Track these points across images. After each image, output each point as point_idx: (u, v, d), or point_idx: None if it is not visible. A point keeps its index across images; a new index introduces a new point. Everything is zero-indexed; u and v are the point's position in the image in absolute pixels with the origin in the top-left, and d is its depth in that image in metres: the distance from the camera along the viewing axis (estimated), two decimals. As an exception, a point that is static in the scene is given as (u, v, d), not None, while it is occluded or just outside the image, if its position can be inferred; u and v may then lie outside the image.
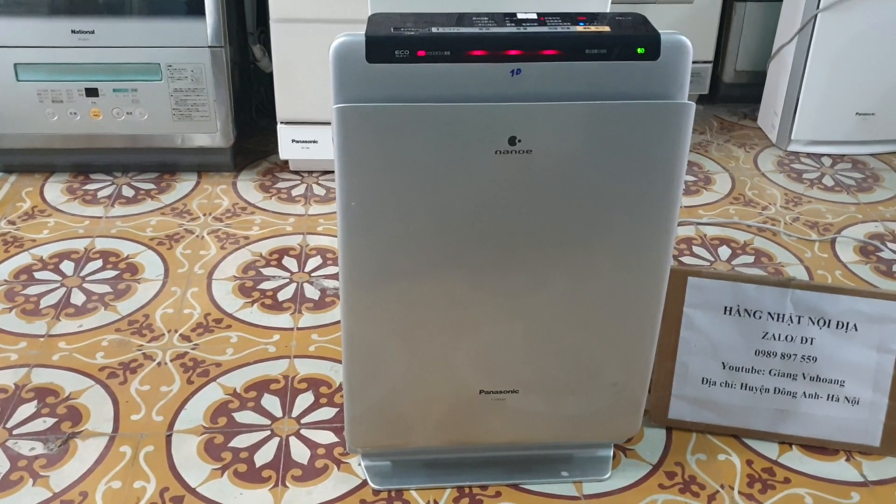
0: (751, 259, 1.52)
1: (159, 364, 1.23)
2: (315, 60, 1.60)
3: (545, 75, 0.82)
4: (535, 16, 0.85)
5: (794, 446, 1.12)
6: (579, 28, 0.83)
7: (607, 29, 0.82)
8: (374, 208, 0.87)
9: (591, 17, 0.85)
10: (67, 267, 1.45)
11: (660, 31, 0.82)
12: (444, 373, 0.98)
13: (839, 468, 1.09)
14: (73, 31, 1.59)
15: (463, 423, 1.02)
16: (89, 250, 1.50)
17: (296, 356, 1.26)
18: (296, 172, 1.79)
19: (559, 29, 0.83)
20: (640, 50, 0.81)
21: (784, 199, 1.73)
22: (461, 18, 0.85)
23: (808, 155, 1.92)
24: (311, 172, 1.79)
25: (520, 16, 0.85)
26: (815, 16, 1.79)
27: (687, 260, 1.51)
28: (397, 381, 0.97)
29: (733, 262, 1.51)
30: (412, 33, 0.82)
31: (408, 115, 0.83)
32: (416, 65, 0.82)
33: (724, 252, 1.54)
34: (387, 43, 0.81)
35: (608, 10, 0.93)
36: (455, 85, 0.83)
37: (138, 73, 1.63)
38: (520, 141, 0.84)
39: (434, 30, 0.83)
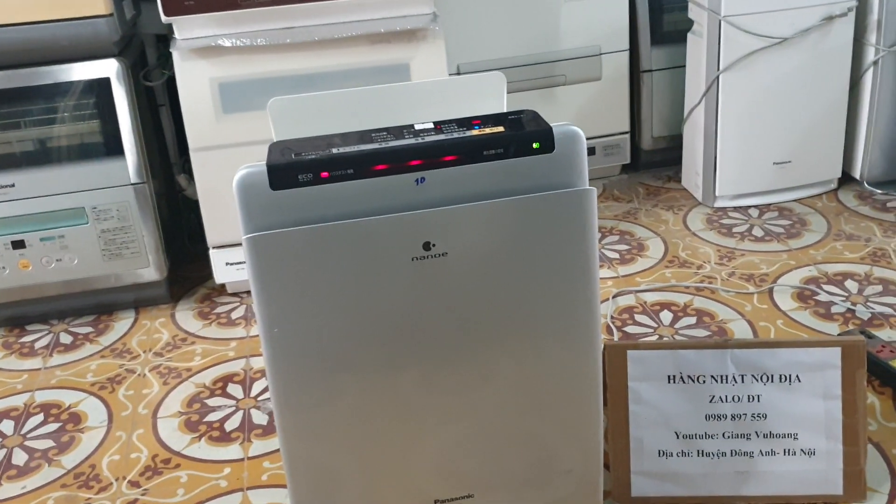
0: (693, 320, 1.53)
1: (108, 516, 1.19)
2: (239, 184, 1.61)
3: (449, 180, 0.84)
4: (431, 125, 0.87)
5: (758, 507, 1.11)
6: (475, 131, 0.85)
7: (501, 129, 0.85)
8: (297, 332, 0.86)
9: (486, 120, 0.87)
10: (7, 426, 1.41)
11: (551, 124, 0.84)
12: (398, 486, 0.96)
13: (806, 523, 1.08)
14: (-8, 187, 1.58)
15: (422, 535, 0.99)
16: (29, 405, 1.46)
17: (248, 488, 1.22)
18: (234, 294, 1.78)
19: (455, 135, 0.85)
20: (535, 145, 0.84)
21: (718, 256, 1.76)
22: (361, 136, 0.87)
23: (735, 209, 1.97)
24: (248, 292, 1.78)
25: (417, 126, 0.87)
26: (717, 77, 1.86)
27: (630, 329, 1.52)
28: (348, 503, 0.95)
29: (676, 326, 1.52)
30: (313, 156, 0.83)
31: (319, 235, 0.83)
32: (322, 186, 0.83)
33: (666, 317, 1.55)
34: (289, 169, 0.82)
35: (504, 108, 0.95)
36: (363, 200, 0.84)
37: (63, 220, 1.62)
38: (434, 245, 0.85)
39: (335, 150, 0.84)
